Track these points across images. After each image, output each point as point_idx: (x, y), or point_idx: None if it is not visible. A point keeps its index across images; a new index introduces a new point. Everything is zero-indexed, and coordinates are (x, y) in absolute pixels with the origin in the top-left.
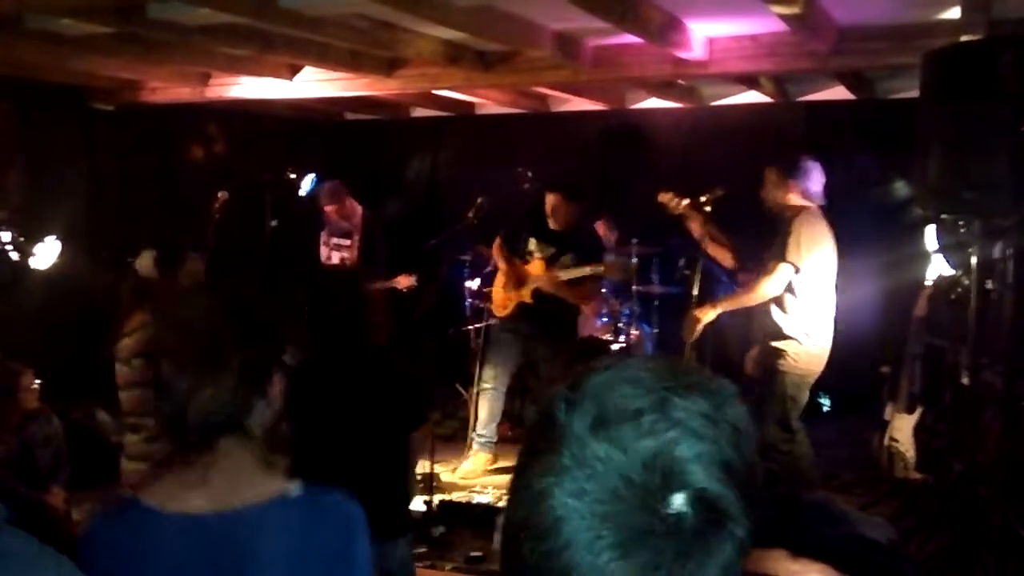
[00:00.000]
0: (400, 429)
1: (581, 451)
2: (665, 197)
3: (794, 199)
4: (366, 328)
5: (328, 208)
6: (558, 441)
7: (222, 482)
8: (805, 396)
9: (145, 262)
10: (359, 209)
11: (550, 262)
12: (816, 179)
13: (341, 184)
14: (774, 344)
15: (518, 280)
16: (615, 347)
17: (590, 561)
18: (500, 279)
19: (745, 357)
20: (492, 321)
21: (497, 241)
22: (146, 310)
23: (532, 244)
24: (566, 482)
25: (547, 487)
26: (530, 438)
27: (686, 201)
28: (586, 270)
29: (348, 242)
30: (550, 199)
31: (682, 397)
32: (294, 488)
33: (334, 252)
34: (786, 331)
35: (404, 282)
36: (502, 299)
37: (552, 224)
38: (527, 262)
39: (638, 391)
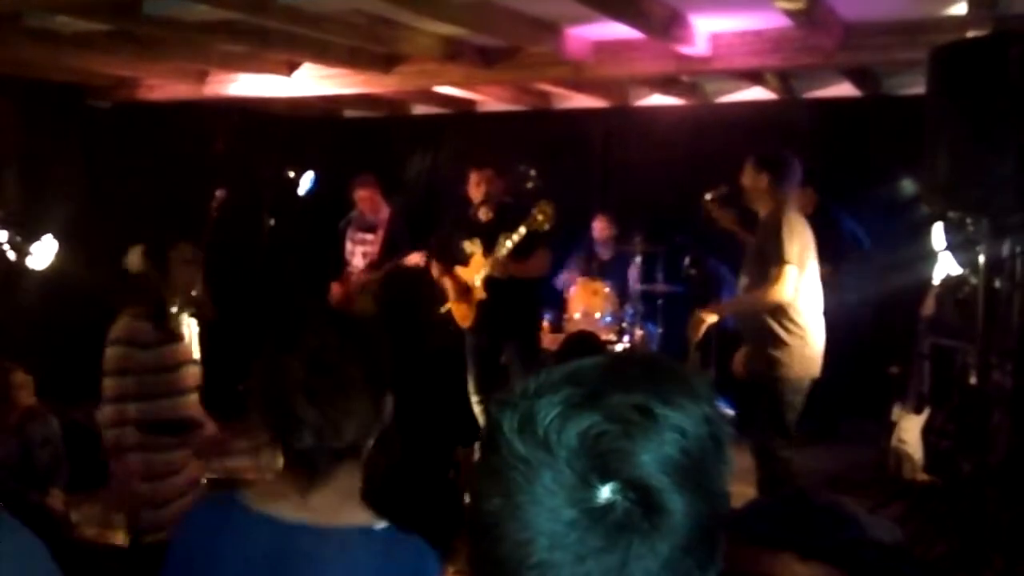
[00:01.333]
0: (444, 441)
1: (509, 453)
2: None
3: (768, 194)
4: (423, 329)
5: (361, 193)
6: (491, 443)
7: (316, 502)
8: (802, 400)
9: (134, 259)
10: (386, 207)
11: (487, 250)
12: (793, 175)
13: (375, 178)
14: (770, 351)
15: (465, 285)
16: (619, 347)
17: (521, 555)
18: (451, 294)
19: (734, 359)
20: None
21: (432, 264)
22: (132, 312)
23: (467, 246)
24: (497, 484)
25: (483, 490)
26: (480, 444)
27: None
28: (520, 231)
29: (371, 237)
30: (483, 175)
31: (620, 390)
32: (380, 523)
33: (357, 247)
34: (781, 337)
35: (414, 259)
36: (462, 312)
37: (480, 213)
38: (467, 265)
39: (571, 387)
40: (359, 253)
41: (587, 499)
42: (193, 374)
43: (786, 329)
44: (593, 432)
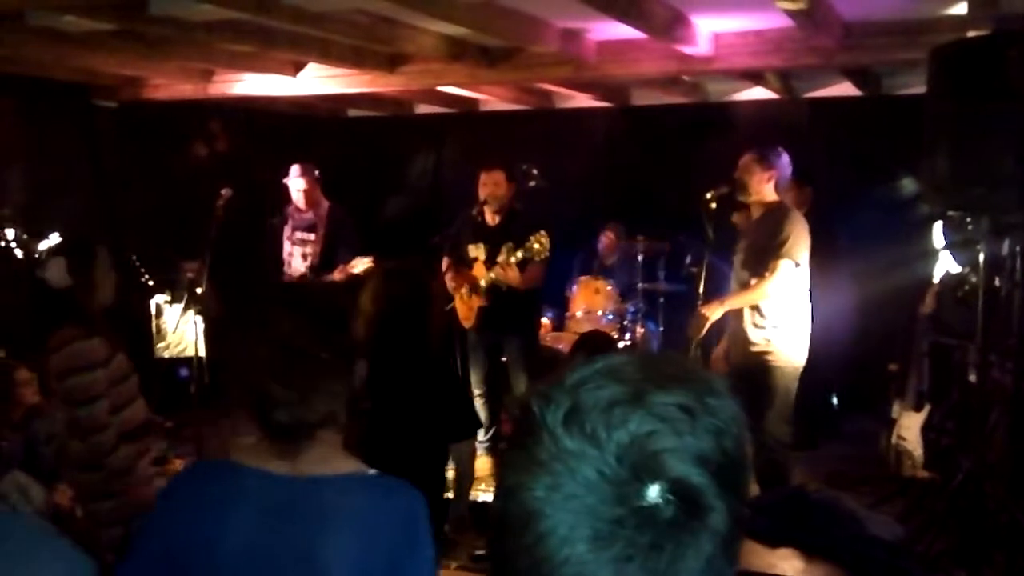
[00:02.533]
0: (439, 436)
1: (554, 445)
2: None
3: (770, 192)
4: (427, 329)
5: (299, 187)
6: (533, 436)
7: (305, 459)
8: (796, 388)
9: (58, 273)
10: (325, 202)
11: (489, 259)
12: (787, 171)
13: (315, 167)
14: (767, 341)
15: (470, 288)
16: (620, 345)
17: (564, 554)
18: (455, 293)
19: (714, 353)
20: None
21: (445, 261)
22: (71, 334)
23: (472, 250)
24: (540, 476)
25: (522, 482)
26: (512, 434)
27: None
28: (517, 255)
29: (313, 236)
30: (492, 177)
31: (660, 389)
32: (369, 470)
33: (296, 247)
34: (777, 326)
35: (361, 264)
36: (464, 311)
37: (488, 214)
38: (471, 267)
39: (614, 384)
40: (299, 255)
41: (635, 496)
42: (136, 380)
43: (772, 318)
44: (644, 430)
